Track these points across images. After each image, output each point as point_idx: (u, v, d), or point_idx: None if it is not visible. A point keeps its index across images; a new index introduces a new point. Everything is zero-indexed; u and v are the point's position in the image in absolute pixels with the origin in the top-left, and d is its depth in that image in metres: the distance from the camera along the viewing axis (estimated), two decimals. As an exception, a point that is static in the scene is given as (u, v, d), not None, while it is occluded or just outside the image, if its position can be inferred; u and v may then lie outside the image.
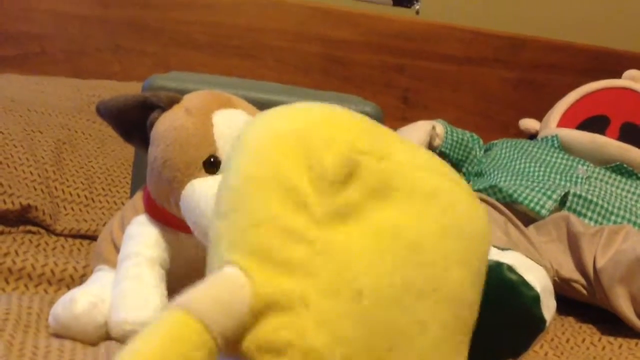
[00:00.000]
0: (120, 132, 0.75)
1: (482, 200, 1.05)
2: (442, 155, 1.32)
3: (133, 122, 0.74)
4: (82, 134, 1.26)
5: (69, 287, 0.84)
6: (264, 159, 0.47)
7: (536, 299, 0.66)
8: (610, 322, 0.99)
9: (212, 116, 0.71)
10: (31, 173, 1.08)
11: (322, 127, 0.49)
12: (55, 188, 1.11)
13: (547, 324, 0.67)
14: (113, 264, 0.73)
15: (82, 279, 0.85)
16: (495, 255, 0.69)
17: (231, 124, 0.71)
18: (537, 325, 0.66)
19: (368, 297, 0.46)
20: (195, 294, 0.42)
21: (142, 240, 0.72)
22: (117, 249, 0.74)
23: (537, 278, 0.67)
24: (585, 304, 1.03)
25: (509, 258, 0.69)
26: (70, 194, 1.12)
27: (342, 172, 0.47)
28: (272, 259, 0.45)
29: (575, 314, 1.03)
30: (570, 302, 1.04)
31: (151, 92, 0.78)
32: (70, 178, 1.14)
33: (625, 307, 0.95)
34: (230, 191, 0.48)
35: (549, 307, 0.67)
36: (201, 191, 0.69)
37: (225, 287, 0.43)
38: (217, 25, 1.70)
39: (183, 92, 0.77)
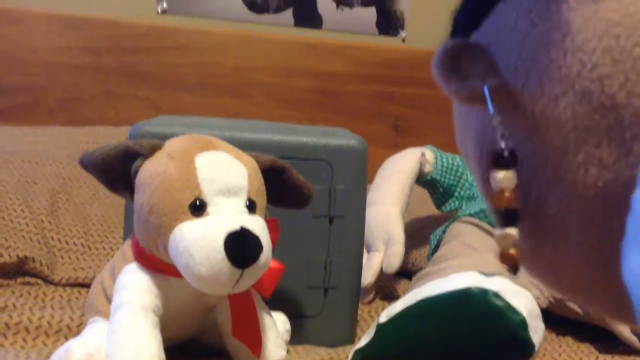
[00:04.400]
0: (105, 182, 0.75)
1: (475, 225, 1.06)
2: (433, 181, 1.32)
3: (117, 171, 0.74)
4: (77, 182, 1.28)
5: (66, 338, 0.84)
6: None
7: (523, 323, 0.66)
8: (607, 340, 0.99)
9: (195, 159, 0.72)
10: (27, 224, 1.10)
11: None
12: (52, 238, 1.12)
13: (536, 347, 0.68)
14: (106, 315, 0.74)
15: (79, 328, 0.86)
16: (481, 281, 0.70)
17: (214, 166, 0.73)
18: (525, 349, 0.67)
19: None
20: None
21: (134, 288, 0.72)
22: (109, 300, 0.75)
23: (523, 303, 0.68)
24: (582, 323, 1.03)
25: (495, 284, 0.69)
26: (67, 243, 1.13)
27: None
28: None
29: (572, 334, 1.03)
30: (567, 322, 1.04)
31: (138, 138, 0.80)
32: (66, 227, 1.15)
33: (620, 325, 0.95)
34: None
35: (536, 330, 0.68)
36: (189, 235, 0.69)
37: None
38: (207, 66, 1.72)
39: (170, 137, 0.77)
